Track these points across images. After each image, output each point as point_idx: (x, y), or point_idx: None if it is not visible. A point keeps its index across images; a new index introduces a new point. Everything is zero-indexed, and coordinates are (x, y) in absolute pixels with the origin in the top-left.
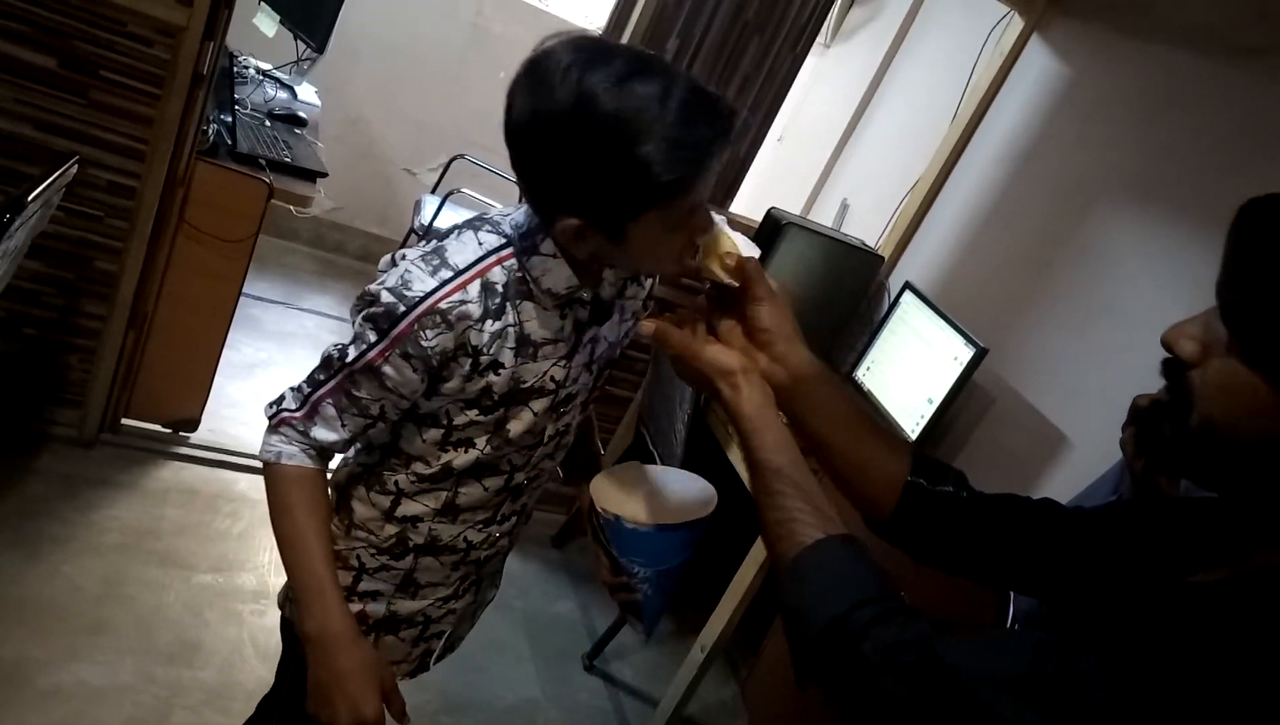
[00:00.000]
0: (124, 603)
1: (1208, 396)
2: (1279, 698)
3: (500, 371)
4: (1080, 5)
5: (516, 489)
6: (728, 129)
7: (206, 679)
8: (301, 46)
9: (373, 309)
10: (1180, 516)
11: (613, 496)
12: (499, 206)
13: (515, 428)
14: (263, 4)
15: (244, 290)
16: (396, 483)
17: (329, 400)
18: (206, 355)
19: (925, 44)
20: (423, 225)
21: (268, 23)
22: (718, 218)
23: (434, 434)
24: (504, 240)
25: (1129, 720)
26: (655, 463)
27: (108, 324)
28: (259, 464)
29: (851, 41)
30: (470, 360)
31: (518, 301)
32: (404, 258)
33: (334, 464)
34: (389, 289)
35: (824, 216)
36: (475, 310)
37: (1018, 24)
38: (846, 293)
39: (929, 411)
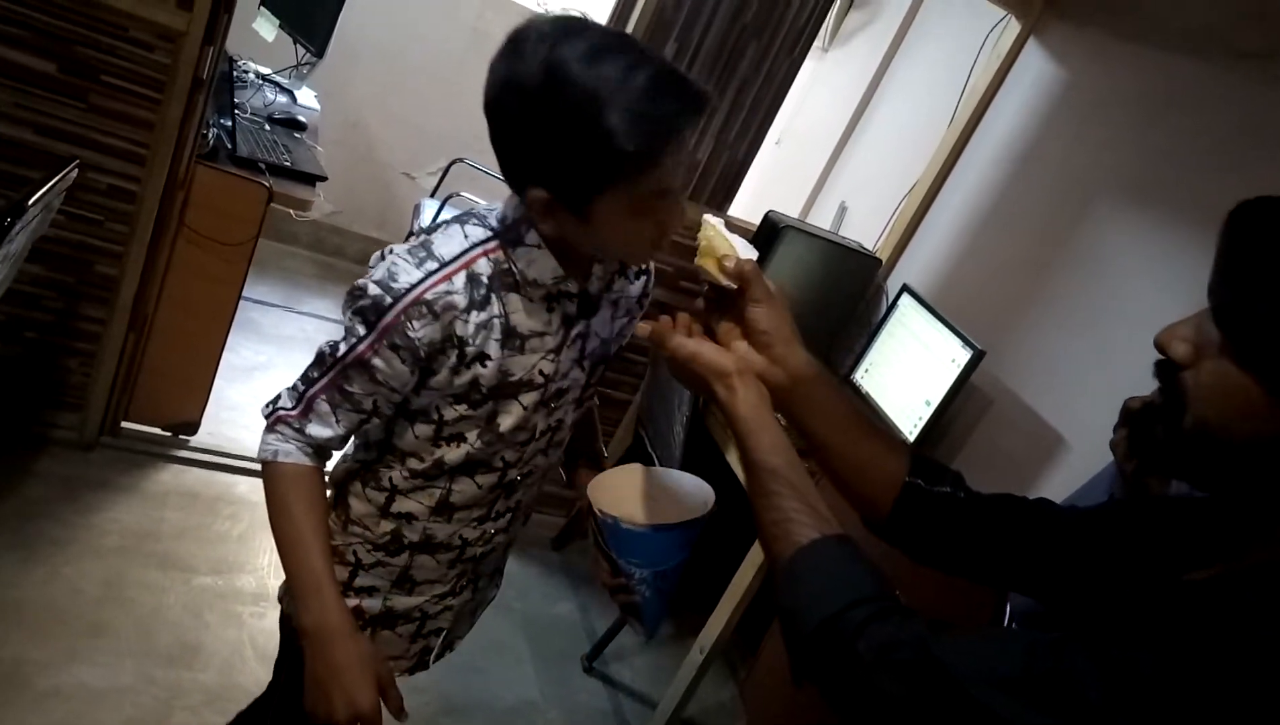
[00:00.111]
0: (124, 605)
1: (1200, 398)
2: (1272, 693)
3: (487, 363)
4: (1076, 8)
5: (510, 485)
6: (696, 108)
7: (206, 681)
8: (301, 51)
9: (361, 302)
10: (1173, 515)
11: (611, 498)
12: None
13: (505, 422)
14: (262, 8)
15: (244, 294)
16: (391, 479)
17: (323, 397)
18: (206, 358)
19: (923, 47)
20: (422, 229)
21: (267, 27)
22: (715, 220)
23: (425, 430)
24: (490, 233)
25: (1123, 718)
26: (654, 465)
27: (108, 327)
28: (259, 467)
29: (849, 45)
30: (456, 352)
31: (503, 293)
32: (391, 252)
33: (333, 461)
34: (376, 281)
35: (822, 219)
36: (460, 301)
37: (1014, 27)
38: (844, 295)
39: (927, 413)
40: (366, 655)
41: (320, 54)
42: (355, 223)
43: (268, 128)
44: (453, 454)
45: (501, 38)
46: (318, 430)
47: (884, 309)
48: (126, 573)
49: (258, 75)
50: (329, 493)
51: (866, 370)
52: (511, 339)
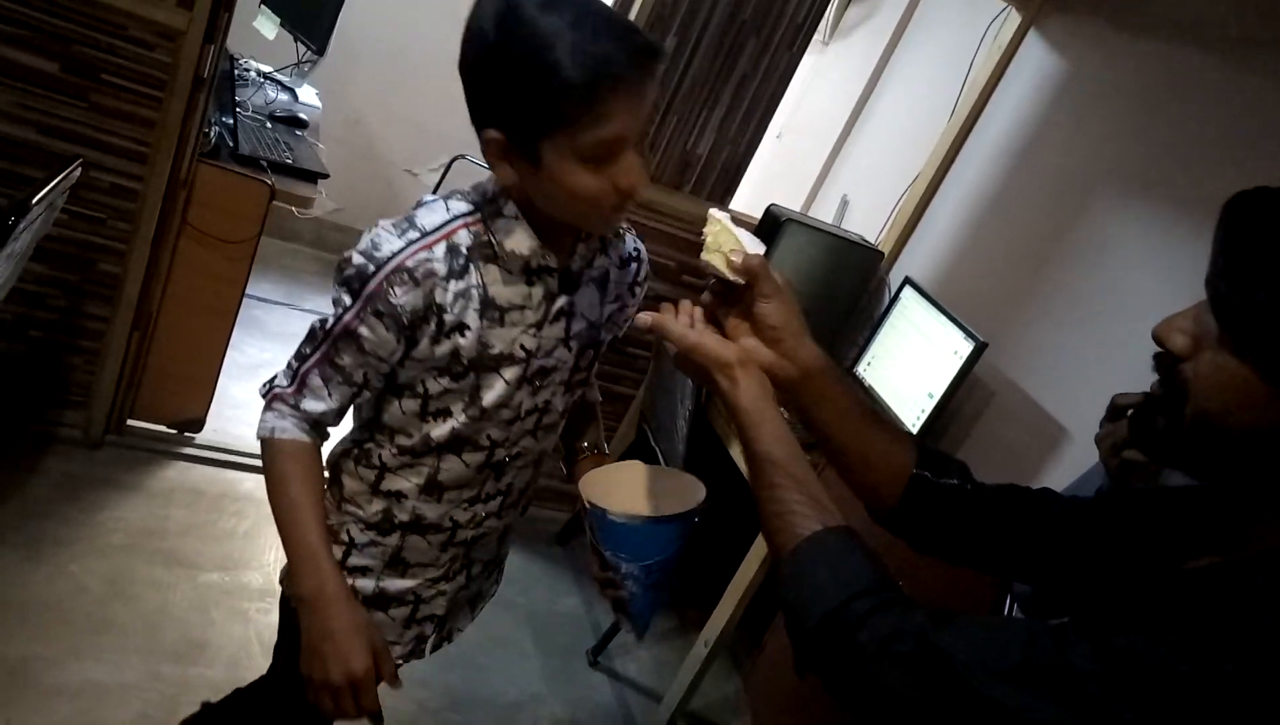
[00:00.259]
0: (130, 602)
1: (1200, 389)
2: (1272, 680)
3: (466, 333)
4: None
5: (499, 466)
6: (643, 54)
7: (213, 676)
8: (302, 49)
9: (346, 272)
10: (1172, 505)
11: (604, 491)
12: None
13: (489, 397)
14: (263, 7)
15: (247, 291)
16: (380, 457)
17: (315, 372)
18: (210, 356)
19: (923, 40)
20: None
21: (268, 25)
22: (721, 214)
23: (412, 405)
24: (472, 207)
25: (1124, 706)
26: (658, 459)
27: (112, 325)
28: (263, 473)
29: (850, 38)
30: (436, 320)
31: (481, 264)
32: (377, 225)
33: (330, 444)
34: (360, 251)
35: (824, 213)
36: (440, 268)
37: (1015, 19)
38: (847, 288)
39: (929, 405)
40: (361, 622)
41: (321, 52)
42: (357, 220)
43: (269, 126)
44: (439, 430)
45: None
46: (312, 405)
47: (886, 302)
48: (132, 570)
49: (259, 73)
50: (325, 473)
51: (869, 363)
52: (490, 310)
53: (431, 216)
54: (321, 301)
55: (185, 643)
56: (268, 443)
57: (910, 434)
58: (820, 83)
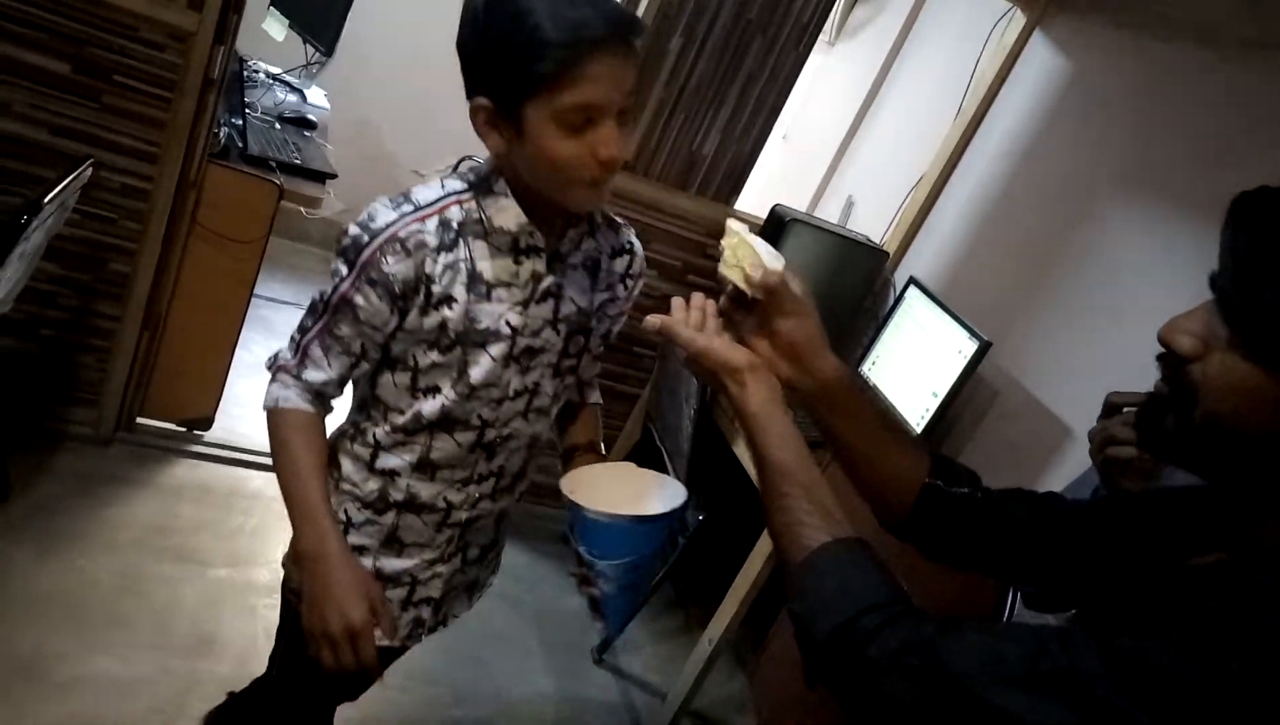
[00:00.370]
0: (140, 597)
1: (1210, 392)
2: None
3: (453, 306)
4: (1081, 0)
5: (490, 447)
6: (621, 24)
7: (222, 671)
8: (310, 50)
9: (343, 243)
10: (1179, 503)
11: (582, 487)
12: None
13: (476, 374)
14: (272, 8)
15: (255, 291)
16: (375, 435)
17: (316, 343)
18: (220, 355)
19: (928, 41)
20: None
21: (277, 27)
22: (739, 226)
23: (403, 378)
24: (466, 186)
25: (1132, 708)
26: (664, 458)
27: (122, 324)
28: (271, 462)
29: (856, 39)
30: (424, 290)
31: (471, 239)
32: (375, 201)
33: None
34: (356, 223)
35: (830, 213)
36: (431, 240)
37: (1019, 20)
38: (851, 288)
39: (934, 404)
40: (359, 577)
41: (329, 53)
42: None
43: (278, 127)
44: (429, 406)
45: None
46: (313, 374)
47: (891, 301)
48: (143, 566)
49: (268, 75)
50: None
51: (874, 362)
52: (476, 284)
53: (426, 193)
54: None
55: (195, 637)
56: (272, 412)
57: (924, 443)
58: (826, 83)
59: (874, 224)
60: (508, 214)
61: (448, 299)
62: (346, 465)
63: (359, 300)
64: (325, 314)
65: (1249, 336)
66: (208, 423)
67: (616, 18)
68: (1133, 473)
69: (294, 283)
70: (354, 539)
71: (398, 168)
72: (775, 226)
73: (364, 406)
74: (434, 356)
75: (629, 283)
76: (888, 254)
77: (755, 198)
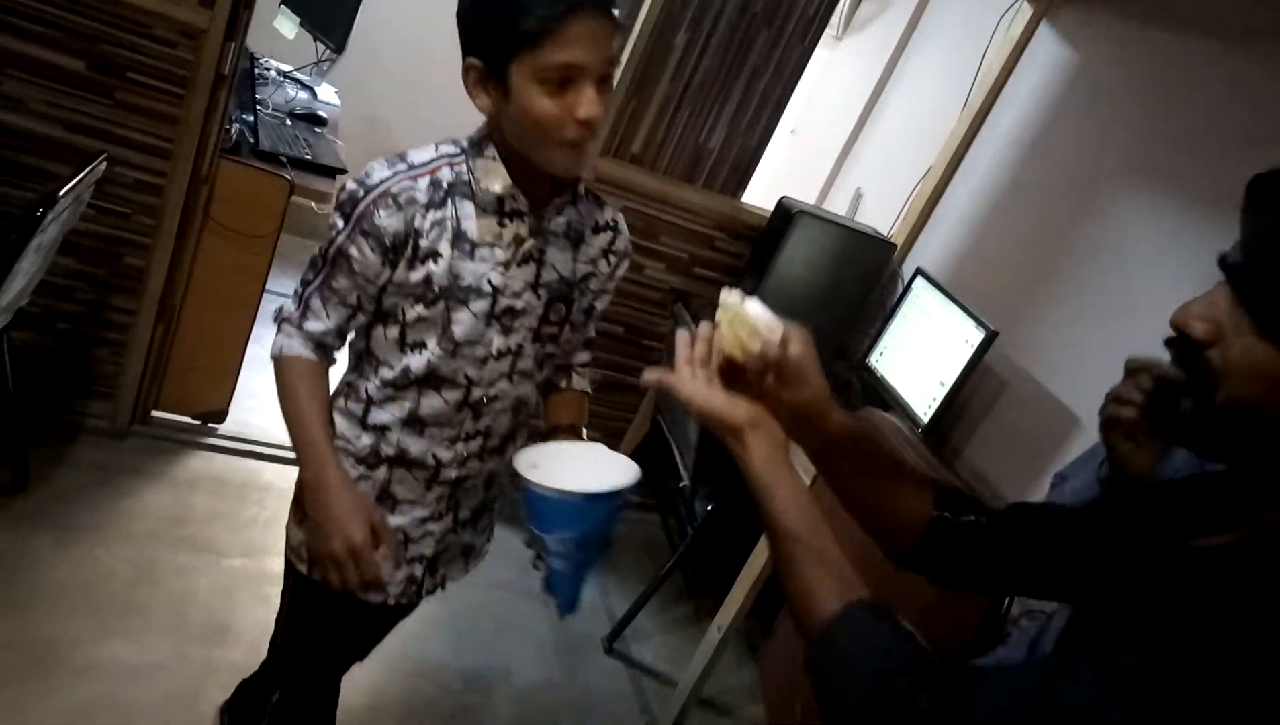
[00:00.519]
0: (156, 586)
1: (1231, 376)
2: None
3: (438, 261)
4: None
5: (476, 406)
6: None
7: (236, 658)
8: (321, 48)
9: (341, 199)
10: (1182, 489)
11: (540, 460)
12: None
13: (459, 330)
14: (282, 6)
15: (267, 286)
16: (367, 390)
17: (316, 295)
18: (233, 348)
19: (935, 33)
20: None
21: (288, 25)
22: (732, 296)
23: (393, 332)
24: (459, 150)
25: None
26: (672, 450)
27: (137, 318)
28: (285, 454)
29: (863, 32)
30: (412, 244)
31: (458, 199)
32: (372, 162)
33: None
34: (354, 181)
35: (838, 206)
36: (422, 197)
37: (1026, 11)
38: (859, 280)
39: (941, 394)
40: (360, 502)
41: (340, 50)
42: None
43: (289, 123)
44: (417, 361)
45: None
46: (313, 325)
47: (899, 293)
48: (158, 556)
49: (279, 72)
50: None
51: (881, 353)
52: (461, 242)
53: (421, 155)
54: None
55: (209, 625)
56: (278, 360)
57: (931, 478)
58: (833, 77)
59: (882, 216)
60: (494, 177)
61: (433, 254)
62: (341, 423)
63: (353, 251)
64: (324, 267)
65: (1266, 318)
66: (221, 416)
67: None
68: (1132, 436)
69: None
70: None
71: None
72: (783, 218)
73: (358, 363)
74: (420, 310)
75: (610, 260)
76: (895, 246)
77: (763, 192)
